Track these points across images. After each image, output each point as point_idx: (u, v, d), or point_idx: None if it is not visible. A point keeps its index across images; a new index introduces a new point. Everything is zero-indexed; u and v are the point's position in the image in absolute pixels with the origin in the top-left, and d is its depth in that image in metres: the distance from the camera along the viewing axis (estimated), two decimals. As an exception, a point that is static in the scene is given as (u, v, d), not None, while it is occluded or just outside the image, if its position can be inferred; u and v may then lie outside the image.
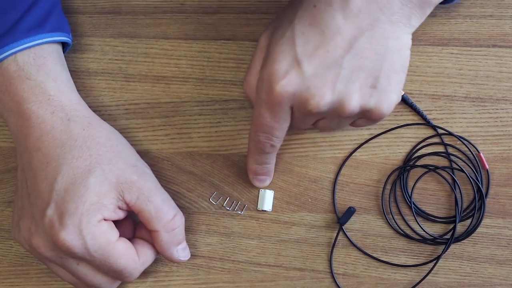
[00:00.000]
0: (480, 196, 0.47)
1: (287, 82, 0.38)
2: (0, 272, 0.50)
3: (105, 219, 0.42)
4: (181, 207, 0.43)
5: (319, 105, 0.38)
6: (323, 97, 0.38)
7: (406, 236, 0.48)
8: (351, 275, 0.48)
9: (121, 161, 0.43)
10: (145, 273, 0.48)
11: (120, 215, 0.43)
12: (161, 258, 0.49)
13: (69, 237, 0.40)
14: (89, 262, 0.42)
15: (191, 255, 0.47)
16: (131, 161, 0.44)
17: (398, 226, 0.48)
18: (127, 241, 0.43)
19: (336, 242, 0.48)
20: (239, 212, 0.48)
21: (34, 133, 0.42)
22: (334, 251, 0.48)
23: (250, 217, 0.49)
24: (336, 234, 0.48)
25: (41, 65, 0.43)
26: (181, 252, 0.45)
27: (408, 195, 0.48)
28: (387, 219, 0.48)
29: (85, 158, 0.42)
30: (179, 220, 0.44)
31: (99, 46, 0.50)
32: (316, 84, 0.38)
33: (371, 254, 0.48)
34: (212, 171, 0.49)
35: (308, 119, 0.41)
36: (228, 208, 0.48)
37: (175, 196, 0.48)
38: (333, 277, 0.48)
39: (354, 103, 0.39)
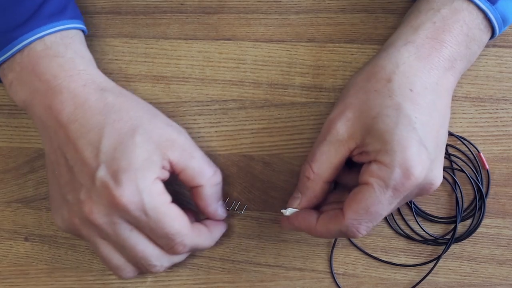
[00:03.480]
0: (480, 196, 0.47)
1: (423, 167, 0.39)
2: (0, 272, 0.50)
3: (159, 179, 0.41)
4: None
5: (436, 186, 0.41)
6: (440, 178, 0.41)
7: (407, 236, 0.48)
8: (351, 275, 0.48)
9: (159, 121, 0.43)
10: (145, 274, 0.48)
11: (166, 175, 0.43)
12: (161, 258, 0.49)
13: (126, 192, 0.40)
14: (143, 226, 0.41)
15: (191, 255, 0.47)
16: (167, 121, 0.44)
17: (398, 226, 0.48)
18: (180, 208, 0.43)
19: (336, 242, 0.48)
20: (239, 212, 0.48)
21: (68, 107, 0.42)
22: (333, 251, 0.48)
23: (250, 217, 0.49)
24: (336, 234, 0.48)
25: (68, 44, 0.44)
26: (221, 208, 0.46)
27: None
28: (387, 219, 0.48)
29: (125, 120, 0.42)
30: (220, 175, 0.45)
31: (99, 46, 0.50)
32: (437, 166, 0.41)
33: (371, 254, 0.48)
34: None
35: (407, 200, 0.42)
36: (228, 208, 0.48)
37: (176, 197, 0.48)
38: (333, 277, 0.48)
39: (440, 180, 0.42)
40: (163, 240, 0.42)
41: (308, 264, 0.48)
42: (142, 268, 0.44)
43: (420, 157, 0.39)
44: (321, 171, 0.42)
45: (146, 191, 0.40)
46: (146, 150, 0.41)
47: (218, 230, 0.46)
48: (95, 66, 0.46)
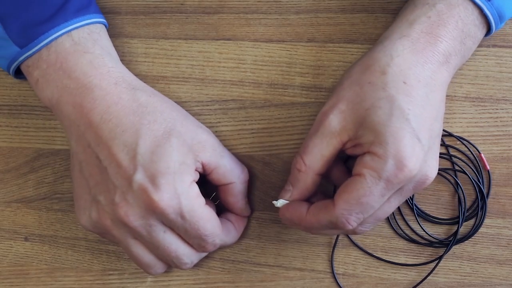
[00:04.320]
0: (481, 197, 0.47)
1: (417, 159, 0.38)
2: (0, 272, 0.50)
3: (195, 182, 0.42)
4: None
5: (432, 179, 0.40)
6: (435, 170, 0.40)
7: (409, 239, 0.48)
8: (351, 275, 0.48)
9: (190, 123, 0.43)
10: (145, 273, 0.48)
11: (198, 177, 0.43)
12: (161, 258, 0.49)
13: (165, 196, 0.40)
14: (178, 227, 0.41)
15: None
16: (197, 123, 0.45)
17: (399, 227, 0.48)
18: (211, 209, 0.43)
19: (337, 242, 0.48)
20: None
21: (100, 106, 0.41)
22: (334, 251, 0.48)
23: (250, 217, 0.49)
24: (336, 234, 0.48)
25: (96, 39, 0.44)
26: (247, 205, 0.47)
27: (410, 197, 0.48)
28: (388, 219, 0.48)
29: (160, 121, 0.42)
30: (247, 173, 0.46)
31: (99, 46, 0.50)
32: (431, 158, 0.40)
33: (372, 253, 0.48)
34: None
35: (405, 196, 0.41)
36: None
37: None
38: (334, 277, 0.48)
39: (435, 172, 0.41)
40: (196, 240, 0.42)
41: (308, 264, 0.48)
42: (173, 265, 0.44)
43: (414, 149, 0.38)
44: (312, 163, 0.42)
45: (184, 195, 0.40)
46: (182, 153, 0.41)
47: (242, 225, 0.47)
48: (122, 64, 0.45)
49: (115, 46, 0.49)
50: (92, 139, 0.42)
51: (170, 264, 0.44)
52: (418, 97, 0.40)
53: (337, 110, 0.41)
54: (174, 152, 0.41)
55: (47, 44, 0.42)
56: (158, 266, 0.44)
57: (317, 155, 0.42)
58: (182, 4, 0.50)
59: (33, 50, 0.42)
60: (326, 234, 0.45)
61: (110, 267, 0.49)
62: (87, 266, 0.49)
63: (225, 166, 0.44)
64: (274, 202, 0.44)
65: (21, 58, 0.43)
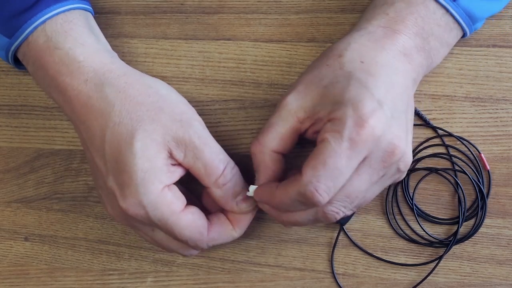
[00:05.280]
0: (481, 197, 0.47)
1: (378, 119, 0.37)
2: (0, 272, 0.50)
3: (167, 186, 0.40)
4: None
5: (400, 149, 0.38)
6: (404, 142, 0.39)
7: (409, 239, 0.48)
8: (351, 275, 0.48)
9: (164, 117, 0.41)
10: (145, 273, 0.49)
11: (179, 172, 0.41)
12: (161, 258, 0.49)
13: (131, 207, 0.40)
14: (159, 229, 0.42)
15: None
16: (175, 115, 0.41)
17: (399, 227, 0.48)
18: (197, 211, 0.42)
19: (337, 242, 0.48)
20: None
21: (75, 106, 0.42)
22: (334, 251, 0.48)
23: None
24: (337, 234, 0.48)
25: (69, 30, 0.43)
26: (241, 203, 0.43)
27: (410, 197, 0.48)
28: (388, 219, 0.48)
29: (125, 123, 0.40)
30: (229, 173, 0.42)
31: (99, 46, 0.50)
32: (397, 126, 0.38)
33: (372, 253, 0.48)
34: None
35: (376, 171, 0.39)
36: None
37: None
38: (334, 277, 0.48)
39: (403, 143, 0.39)
40: (182, 242, 0.42)
41: (308, 264, 0.48)
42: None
43: (374, 109, 0.37)
44: (267, 141, 0.41)
45: (151, 205, 0.39)
46: (147, 159, 0.39)
47: (243, 222, 0.44)
48: (101, 50, 0.44)
49: (115, 46, 0.49)
50: (81, 136, 0.43)
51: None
52: (377, 75, 0.39)
53: (295, 91, 0.41)
54: (136, 160, 0.39)
55: (24, 39, 0.43)
56: (181, 250, 0.44)
57: (272, 134, 0.41)
58: (182, 4, 0.50)
59: (20, 39, 0.43)
60: (303, 223, 0.42)
61: (110, 267, 0.49)
62: (87, 266, 0.49)
63: (199, 169, 0.41)
64: (247, 193, 0.42)
65: (12, 48, 0.44)
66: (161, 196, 0.40)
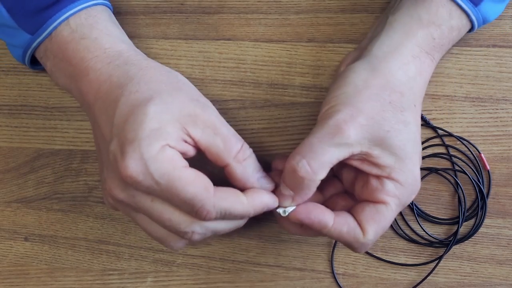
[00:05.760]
0: (481, 197, 0.47)
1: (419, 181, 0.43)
2: (0, 272, 0.50)
3: (170, 146, 0.38)
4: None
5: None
6: (419, 181, 0.43)
7: (409, 239, 0.48)
8: (351, 275, 0.48)
9: (182, 95, 0.40)
10: (145, 273, 0.49)
11: (188, 149, 0.40)
12: (161, 258, 0.49)
13: (131, 163, 0.37)
14: (159, 195, 0.39)
15: (190, 255, 0.47)
16: (194, 96, 0.41)
17: (399, 227, 0.48)
18: (200, 172, 0.39)
19: (337, 242, 0.48)
20: None
21: (93, 88, 0.42)
22: (334, 251, 0.48)
23: (250, 217, 0.48)
24: (336, 234, 0.48)
25: (93, 23, 0.44)
26: (263, 180, 0.42)
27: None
28: (387, 219, 0.48)
29: (142, 91, 0.40)
30: (247, 149, 0.41)
31: (99, 46, 0.50)
32: (419, 172, 0.43)
33: (371, 253, 0.48)
34: (213, 171, 0.49)
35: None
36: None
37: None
38: (334, 277, 0.48)
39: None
40: (184, 206, 0.39)
41: (308, 264, 0.48)
42: (181, 236, 0.40)
43: (419, 171, 0.42)
44: (319, 170, 0.40)
45: (151, 159, 0.37)
46: (158, 121, 0.38)
47: (258, 197, 0.41)
48: (124, 41, 0.45)
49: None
50: (92, 120, 0.43)
51: (178, 235, 0.40)
52: (418, 119, 0.43)
53: (357, 123, 0.40)
54: (147, 119, 0.38)
55: (48, 34, 0.43)
56: (173, 239, 0.41)
57: (326, 163, 0.40)
58: (182, 4, 0.50)
59: (43, 36, 0.44)
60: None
61: (110, 267, 0.49)
62: (87, 266, 0.49)
63: (218, 145, 0.40)
64: (279, 211, 0.41)
65: (34, 45, 0.44)
66: (163, 151, 0.38)
